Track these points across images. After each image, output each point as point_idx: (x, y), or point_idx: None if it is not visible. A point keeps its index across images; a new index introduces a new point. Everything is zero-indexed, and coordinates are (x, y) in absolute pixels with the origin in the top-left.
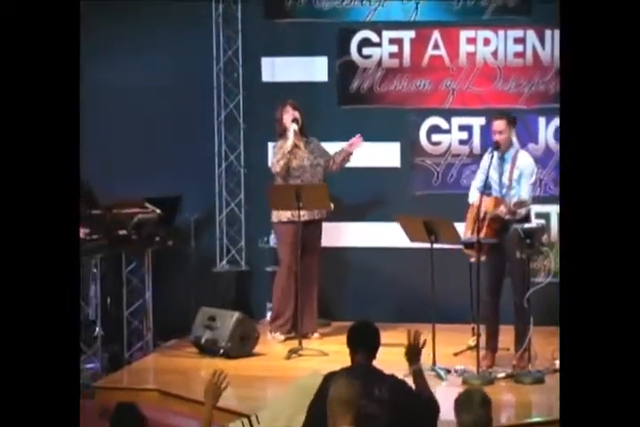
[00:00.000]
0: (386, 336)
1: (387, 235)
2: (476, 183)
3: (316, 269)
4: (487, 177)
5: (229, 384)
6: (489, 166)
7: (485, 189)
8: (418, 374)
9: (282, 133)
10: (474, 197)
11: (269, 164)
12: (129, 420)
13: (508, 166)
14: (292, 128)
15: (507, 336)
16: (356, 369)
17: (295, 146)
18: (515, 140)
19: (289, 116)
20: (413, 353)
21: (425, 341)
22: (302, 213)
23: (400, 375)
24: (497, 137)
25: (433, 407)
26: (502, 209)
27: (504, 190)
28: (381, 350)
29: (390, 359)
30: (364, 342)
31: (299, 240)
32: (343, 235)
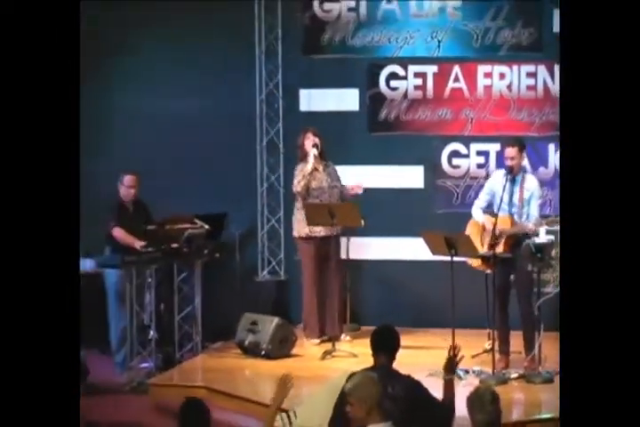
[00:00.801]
0: (409, 340)
1: (411, 249)
2: (480, 203)
3: (336, 279)
4: (501, 198)
5: (270, 382)
6: (503, 188)
7: (492, 208)
8: (448, 383)
9: (302, 158)
10: (478, 214)
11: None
12: (196, 413)
13: (517, 188)
14: (312, 152)
15: (519, 341)
16: (376, 369)
17: (314, 169)
18: (526, 164)
19: (310, 142)
20: (450, 365)
21: (463, 357)
22: (319, 229)
23: (417, 377)
24: (509, 162)
25: (448, 413)
26: (531, 227)
27: (514, 209)
28: (403, 352)
29: (410, 361)
30: (385, 345)
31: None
32: (372, 249)
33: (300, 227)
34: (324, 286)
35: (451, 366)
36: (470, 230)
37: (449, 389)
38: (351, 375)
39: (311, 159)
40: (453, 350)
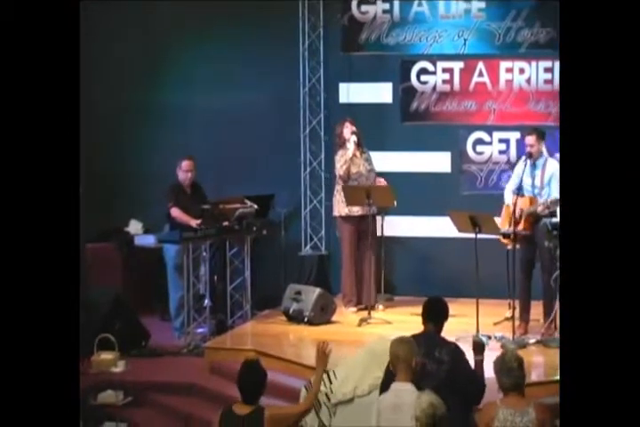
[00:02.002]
0: None
1: (439, 227)
2: (510, 187)
3: (372, 254)
4: (521, 181)
5: (312, 346)
6: (522, 172)
7: (519, 191)
8: (478, 364)
9: (341, 145)
10: (509, 197)
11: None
12: (254, 372)
13: (539, 172)
14: (352, 140)
15: (537, 309)
16: (424, 335)
17: (354, 155)
18: (544, 150)
19: (348, 131)
20: (479, 348)
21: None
22: (356, 209)
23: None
24: (529, 149)
25: (481, 386)
26: (540, 206)
27: (536, 191)
28: None
29: None
30: (434, 314)
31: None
32: (404, 226)
33: (340, 207)
34: (361, 260)
35: (479, 349)
36: (505, 211)
37: (479, 367)
38: (395, 340)
39: (351, 146)
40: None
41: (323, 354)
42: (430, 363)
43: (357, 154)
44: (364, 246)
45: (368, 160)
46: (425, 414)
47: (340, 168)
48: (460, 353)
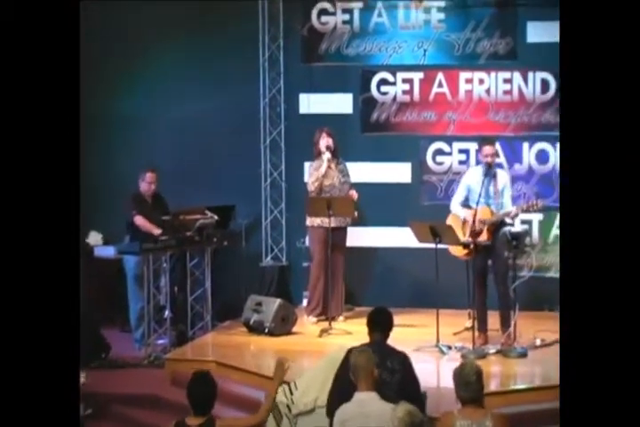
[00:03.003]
0: (399, 319)
1: (400, 237)
2: (459, 197)
3: (341, 264)
4: (479, 192)
5: (272, 357)
6: (481, 183)
7: (469, 202)
8: None
9: (317, 155)
10: (457, 208)
11: (306, 181)
12: (205, 384)
13: (493, 182)
14: (326, 156)
15: (497, 319)
16: (373, 345)
17: (328, 167)
18: (497, 160)
19: (324, 142)
20: None
21: None
22: (331, 220)
23: (405, 351)
24: (488, 159)
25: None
26: (514, 211)
27: (491, 201)
28: (393, 329)
29: (399, 338)
30: (380, 324)
31: (329, 242)
32: (366, 237)
33: (313, 217)
34: (330, 270)
35: None
36: (452, 221)
37: None
38: (350, 350)
39: (325, 163)
40: None
41: (281, 369)
42: (384, 372)
43: (332, 166)
44: (333, 257)
45: (343, 171)
46: (404, 423)
47: (311, 184)
48: (409, 362)
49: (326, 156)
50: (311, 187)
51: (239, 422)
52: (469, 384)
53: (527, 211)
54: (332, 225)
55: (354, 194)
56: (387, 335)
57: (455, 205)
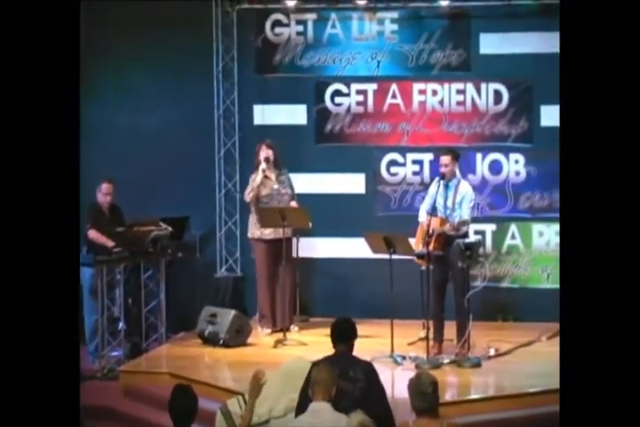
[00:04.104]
0: None
1: (354, 248)
2: (425, 206)
3: (287, 276)
4: (435, 201)
5: (227, 368)
6: (436, 193)
7: (432, 211)
8: None
9: (256, 166)
10: (423, 217)
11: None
12: (186, 398)
13: (451, 193)
14: (261, 167)
15: (451, 329)
16: (337, 357)
17: (265, 177)
18: (457, 171)
19: (263, 154)
20: None
21: None
22: (268, 231)
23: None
24: (443, 169)
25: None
26: (448, 227)
27: (448, 212)
28: None
29: (355, 348)
30: (344, 335)
31: (273, 254)
32: (319, 248)
33: (254, 229)
34: (276, 282)
35: None
36: (419, 231)
37: None
38: (314, 365)
39: (260, 173)
40: None
41: (257, 383)
42: (346, 383)
43: (271, 176)
44: (279, 268)
45: (284, 183)
46: None
47: (246, 195)
48: (374, 372)
49: (261, 166)
50: (246, 198)
51: None
52: (425, 395)
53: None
54: (270, 237)
55: (295, 205)
56: (352, 345)
57: (422, 212)
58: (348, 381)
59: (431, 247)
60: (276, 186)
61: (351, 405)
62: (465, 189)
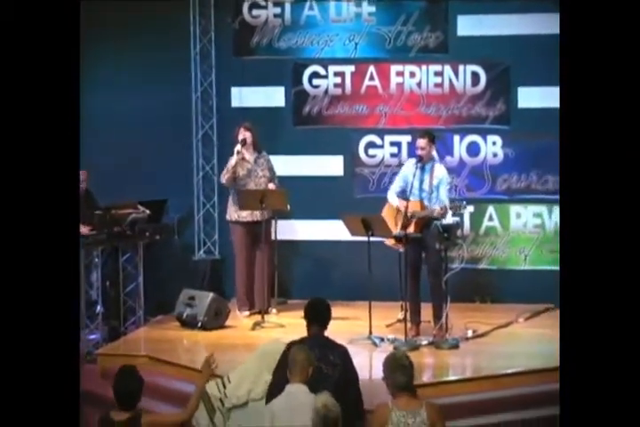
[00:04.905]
0: (332, 312)
1: (333, 230)
2: (395, 188)
3: (266, 258)
4: (407, 184)
5: (206, 351)
6: (413, 176)
7: (404, 193)
8: None
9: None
10: (393, 198)
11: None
12: (130, 379)
13: (427, 176)
14: (236, 149)
15: (429, 311)
16: (312, 339)
17: (242, 159)
18: (434, 154)
19: (240, 137)
20: None
21: None
22: (245, 214)
23: (342, 343)
24: (420, 152)
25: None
26: (437, 212)
27: (424, 195)
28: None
29: (334, 330)
30: (318, 316)
31: (251, 236)
32: (298, 230)
33: (232, 211)
34: (254, 264)
35: None
36: (386, 213)
37: None
38: (290, 345)
39: (235, 155)
40: None
41: (207, 366)
42: (325, 366)
43: (250, 159)
44: (257, 251)
45: (262, 165)
46: (318, 416)
47: (222, 176)
48: (349, 356)
49: (236, 148)
50: (222, 179)
51: (167, 418)
52: (404, 367)
53: (453, 212)
54: (248, 219)
55: (273, 187)
56: (325, 327)
57: (391, 194)
58: (328, 364)
59: (411, 230)
60: (253, 168)
61: (331, 389)
62: (441, 172)
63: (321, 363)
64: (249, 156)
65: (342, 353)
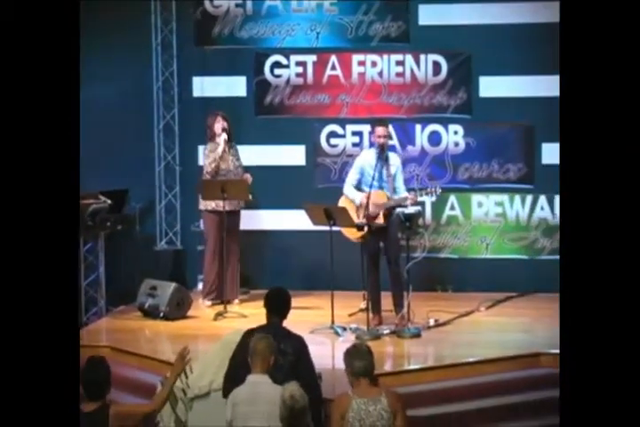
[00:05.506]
0: (294, 302)
1: (295, 220)
2: (351, 180)
3: (235, 248)
4: (373, 175)
5: (168, 341)
6: (375, 166)
7: (361, 185)
8: None
9: (211, 138)
10: (353, 192)
11: (202, 164)
12: (99, 370)
13: (385, 165)
14: (223, 137)
15: (391, 300)
16: (270, 327)
17: (223, 151)
18: (390, 143)
19: (220, 126)
20: None
21: None
22: (223, 203)
23: (301, 333)
24: (382, 140)
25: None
26: (411, 197)
27: (384, 184)
28: (291, 312)
29: (295, 320)
30: (276, 306)
31: (224, 226)
32: (261, 220)
33: (208, 201)
34: (224, 254)
35: None
36: (347, 203)
37: None
38: (247, 333)
39: (222, 144)
40: None
41: (181, 359)
42: (277, 355)
43: (227, 150)
44: (227, 241)
45: (235, 155)
46: (284, 406)
47: (208, 165)
48: (305, 346)
49: (223, 137)
50: (208, 168)
51: (135, 409)
52: (363, 353)
53: (427, 195)
54: (227, 209)
55: (249, 177)
56: (284, 317)
57: (348, 188)
58: (279, 354)
59: (381, 221)
60: (232, 159)
61: (282, 379)
62: (396, 160)
63: (274, 352)
64: (226, 146)
65: (296, 343)
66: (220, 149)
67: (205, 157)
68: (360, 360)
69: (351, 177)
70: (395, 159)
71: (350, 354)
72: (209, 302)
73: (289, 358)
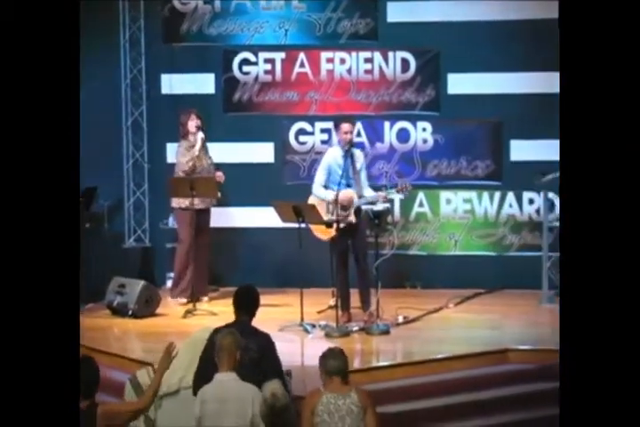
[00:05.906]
0: (263, 299)
1: (265, 217)
2: (320, 180)
3: (207, 246)
4: (341, 173)
5: (137, 339)
6: (343, 164)
7: (328, 184)
8: None
9: (184, 135)
10: (323, 192)
11: (173, 161)
12: (88, 369)
13: (349, 162)
14: (200, 136)
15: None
16: (235, 325)
17: (200, 149)
18: (357, 139)
19: (193, 124)
20: None
21: None
22: (197, 201)
23: (269, 331)
24: (348, 136)
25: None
26: (382, 195)
27: (351, 181)
28: (260, 309)
29: (264, 317)
30: (246, 303)
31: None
32: (230, 217)
33: (181, 199)
34: (197, 251)
35: None
36: (318, 202)
37: None
38: (216, 331)
39: (199, 142)
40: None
41: (167, 356)
42: (243, 353)
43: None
44: (199, 239)
45: (207, 153)
46: (265, 404)
47: (185, 163)
48: (270, 343)
49: (200, 135)
50: (184, 167)
51: (123, 408)
52: (337, 354)
53: (399, 193)
54: (199, 207)
55: (221, 175)
56: (252, 314)
57: (318, 187)
58: (245, 351)
59: (353, 219)
60: (205, 157)
61: (245, 375)
62: (360, 157)
63: (240, 350)
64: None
65: (262, 340)
66: (197, 148)
67: (181, 155)
68: (334, 360)
69: (319, 177)
70: (359, 156)
71: (325, 356)
72: (184, 300)
73: (252, 355)
